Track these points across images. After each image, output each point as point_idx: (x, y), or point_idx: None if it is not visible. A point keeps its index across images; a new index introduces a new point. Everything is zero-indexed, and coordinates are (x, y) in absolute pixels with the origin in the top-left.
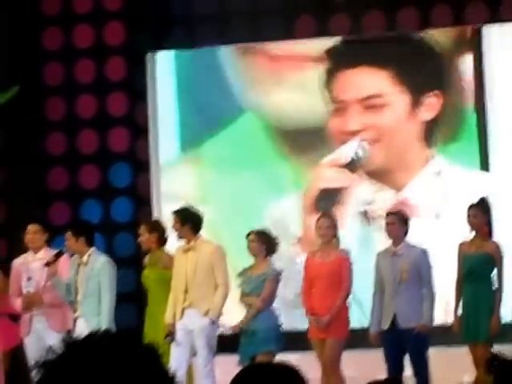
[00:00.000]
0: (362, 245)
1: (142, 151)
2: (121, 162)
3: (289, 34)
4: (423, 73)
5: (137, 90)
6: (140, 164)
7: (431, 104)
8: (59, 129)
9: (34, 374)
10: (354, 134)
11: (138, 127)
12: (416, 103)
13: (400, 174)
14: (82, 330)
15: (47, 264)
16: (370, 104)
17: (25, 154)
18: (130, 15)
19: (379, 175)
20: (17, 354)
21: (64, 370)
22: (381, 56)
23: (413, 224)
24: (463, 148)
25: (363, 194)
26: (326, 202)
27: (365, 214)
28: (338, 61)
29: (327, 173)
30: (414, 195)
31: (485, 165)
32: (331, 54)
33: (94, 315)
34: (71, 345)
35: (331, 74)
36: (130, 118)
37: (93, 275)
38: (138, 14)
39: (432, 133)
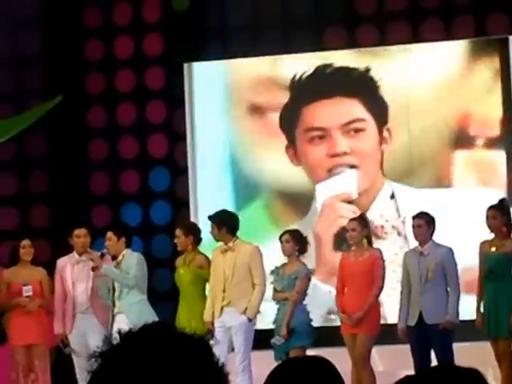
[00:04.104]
0: None
1: (180, 156)
2: (159, 167)
3: (319, 45)
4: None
5: (174, 98)
6: (178, 169)
7: (385, 138)
8: (101, 136)
9: (90, 365)
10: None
11: (176, 134)
12: (380, 132)
13: (363, 198)
14: (121, 325)
15: (93, 269)
16: (350, 128)
17: (68, 160)
18: (167, 27)
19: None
20: (60, 350)
21: (120, 360)
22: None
23: (380, 245)
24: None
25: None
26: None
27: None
28: (308, 93)
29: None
30: (375, 217)
31: None
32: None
33: (132, 309)
34: (126, 335)
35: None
36: (168, 125)
37: (126, 272)
38: (175, 26)
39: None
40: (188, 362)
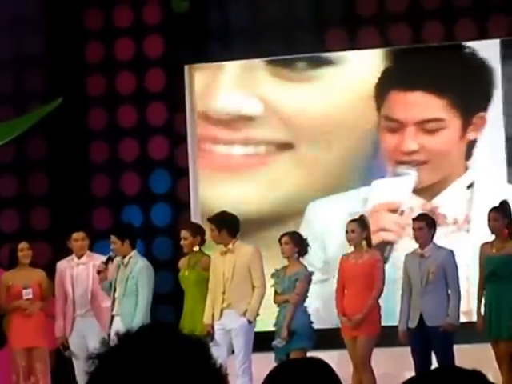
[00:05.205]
0: None
1: (181, 158)
2: (160, 169)
3: (320, 46)
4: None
5: (175, 100)
6: (179, 171)
7: (477, 124)
8: (101, 138)
9: (88, 366)
10: (409, 154)
11: (177, 135)
12: (466, 124)
13: (431, 189)
14: (117, 328)
15: (98, 272)
16: (427, 127)
17: (69, 162)
18: (168, 29)
19: (422, 192)
20: (60, 352)
21: (117, 361)
22: (437, 79)
23: (438, 232)
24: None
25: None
26: None
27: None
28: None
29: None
30: (444, 205)
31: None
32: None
33: (129, 315)
34: (124, 337)
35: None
36: (168, 127)
37: (131, 277)
38: (176, 27)
39: (471, 150)
40: (186, 363)
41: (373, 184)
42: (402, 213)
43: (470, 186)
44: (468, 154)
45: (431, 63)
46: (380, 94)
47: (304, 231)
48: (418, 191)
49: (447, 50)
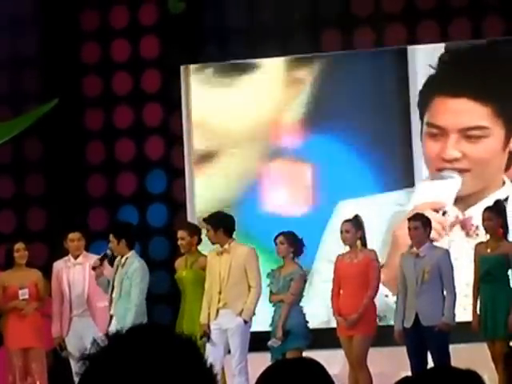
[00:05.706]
0: None
1: (177, 159)
2: (156, 170)
3: (316, 47)
4: None
5: (171, 100)
6: (175, 171)
7: None
8: (97, 138)
9: (79, 367)
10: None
11: (173, 136)
12: (509, 133)
13: (470, 199)
14: (113, 328)
15: (94, 268)
16: (470, 134)
17: (65, 163)
18: (164, 30)
19: (458, 201)
20: (57, 352)
21: (108, 361)
22: (482, 86)
23: (469, 244)
24: None
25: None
26: None
27: None
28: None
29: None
30: (477, 216)
31: None
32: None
33: (124, 316)
34: (115, 337)
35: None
36: (164, 128)
37: (126, 278)
38: (172, 28)
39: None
40: (176, 362)
41: (416, 186)
42: (444, 213)
43: (505, 200)
44: (507, 166)
45: (476, 70)
46: (423, 100)
47: (331, 232)
48: (454, 200)
49: (492, 58)
